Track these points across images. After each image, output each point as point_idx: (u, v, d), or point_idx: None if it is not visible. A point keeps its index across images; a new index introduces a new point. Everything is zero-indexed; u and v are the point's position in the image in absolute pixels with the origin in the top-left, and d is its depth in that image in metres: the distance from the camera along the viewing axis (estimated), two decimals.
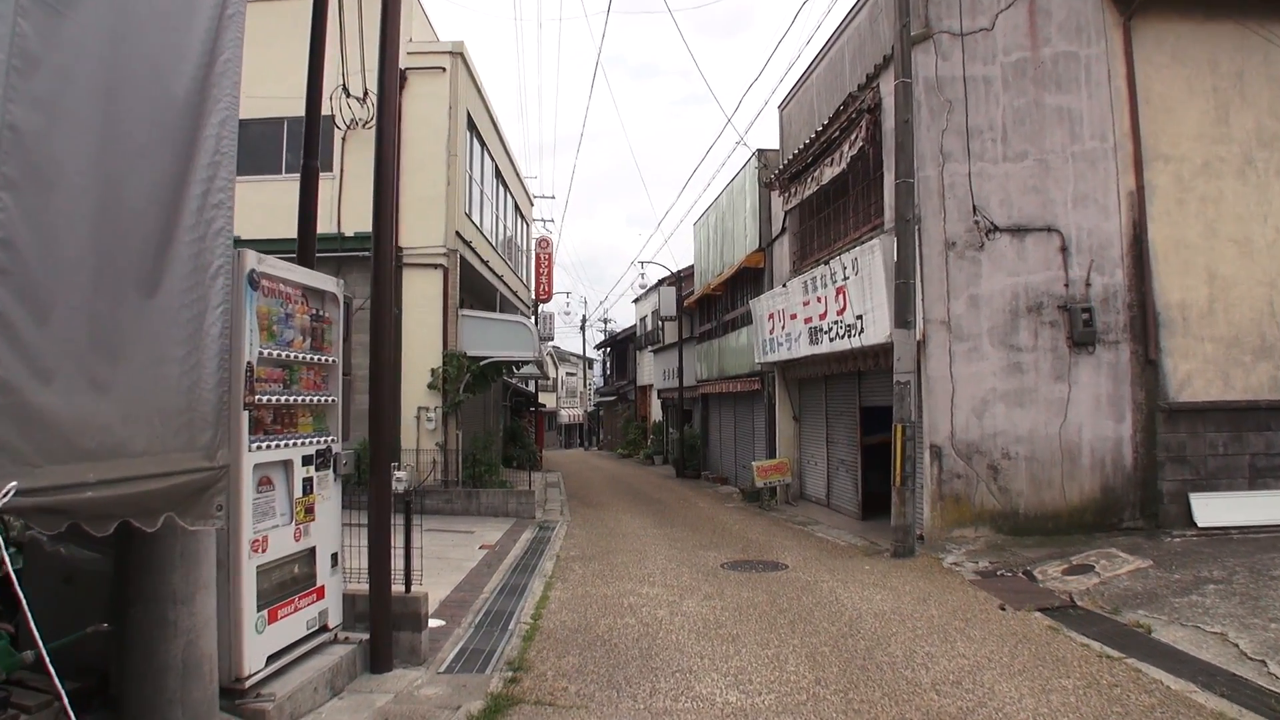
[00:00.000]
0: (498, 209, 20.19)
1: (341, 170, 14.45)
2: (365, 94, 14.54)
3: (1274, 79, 10.81)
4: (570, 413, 65.77)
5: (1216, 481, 9.03)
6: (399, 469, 14.51)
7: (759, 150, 18.31)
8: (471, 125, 16.31)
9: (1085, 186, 10.33)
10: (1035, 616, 6.56)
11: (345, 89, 13.91)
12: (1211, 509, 8.81)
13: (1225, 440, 9.03)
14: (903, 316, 9.62)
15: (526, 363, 17.89)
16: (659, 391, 32.56)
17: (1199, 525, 8.76)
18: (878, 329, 10.52)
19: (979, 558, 8.82)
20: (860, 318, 11.06)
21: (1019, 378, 10.03)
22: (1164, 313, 10.26)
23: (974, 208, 10.06)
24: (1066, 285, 10.17)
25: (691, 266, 26.79)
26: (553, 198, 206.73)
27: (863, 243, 11.14)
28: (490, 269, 17.73)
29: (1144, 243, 10.27)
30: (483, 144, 17.68)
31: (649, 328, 36.33)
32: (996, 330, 10.06)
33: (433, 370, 14.20)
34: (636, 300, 39.89)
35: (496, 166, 19.48)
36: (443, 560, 9.12)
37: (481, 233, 17.38)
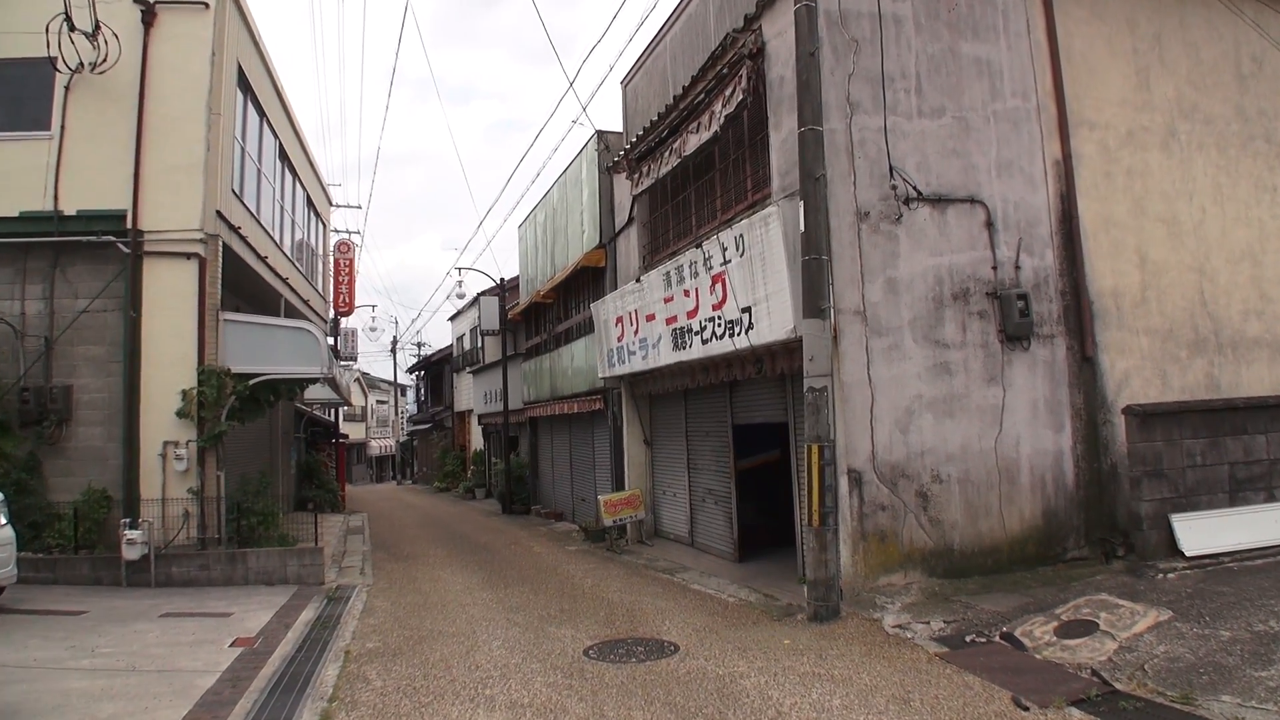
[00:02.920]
0: (284, 199, 16.59)
1: (63, 129, 10.76)
2: (97, 28, 11.04)
3: (1191, 44, 9.86)
4: (382, 444, 60.62)
5: (1196, 498, 7.61)
6: (132, 528, 11.01)
7: (599, 132, 16.04)
8: (245, 83, 12.87)
9: (1009, 152, 8.79)
10: (1075, 716, 4.54)
11: (69, 20, 10.34)
12: (1197, 533, 7.35)
13: (1203, 448, 7.65)
14: (813, 303, 7.54)
15: (312, 381, 14.46)
16: (480, 417, 29.44)
17: (1186, 554, 7.26)
18: (774, 322, 8.43)
19: (925, 614, 6.81)
20: (748, 310, 8.93)
21: (947, 381, 8.25)
22: (1097, 301, 8.88)
23: (890, 169, 8.20)
24: (995, 268, 8.53)
25: (518, 277, 24.14)
26: (358, 207, 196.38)
27: (753, 214, 9.06)
28: (271, 268, 14.22)
29: (1074, 220, 8.85)
30: (261, 112, 14.19)
31: (467, 347, 33.15)
32: (919, 322, 8.24)
33: (184, 392, 10.65)
34: (453, 318, 36.55)
35: (281, 146, 15.93)
36: (163, 678, 5.96)
37: (258, 221, 13.88)
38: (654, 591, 9.46)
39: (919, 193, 8.26)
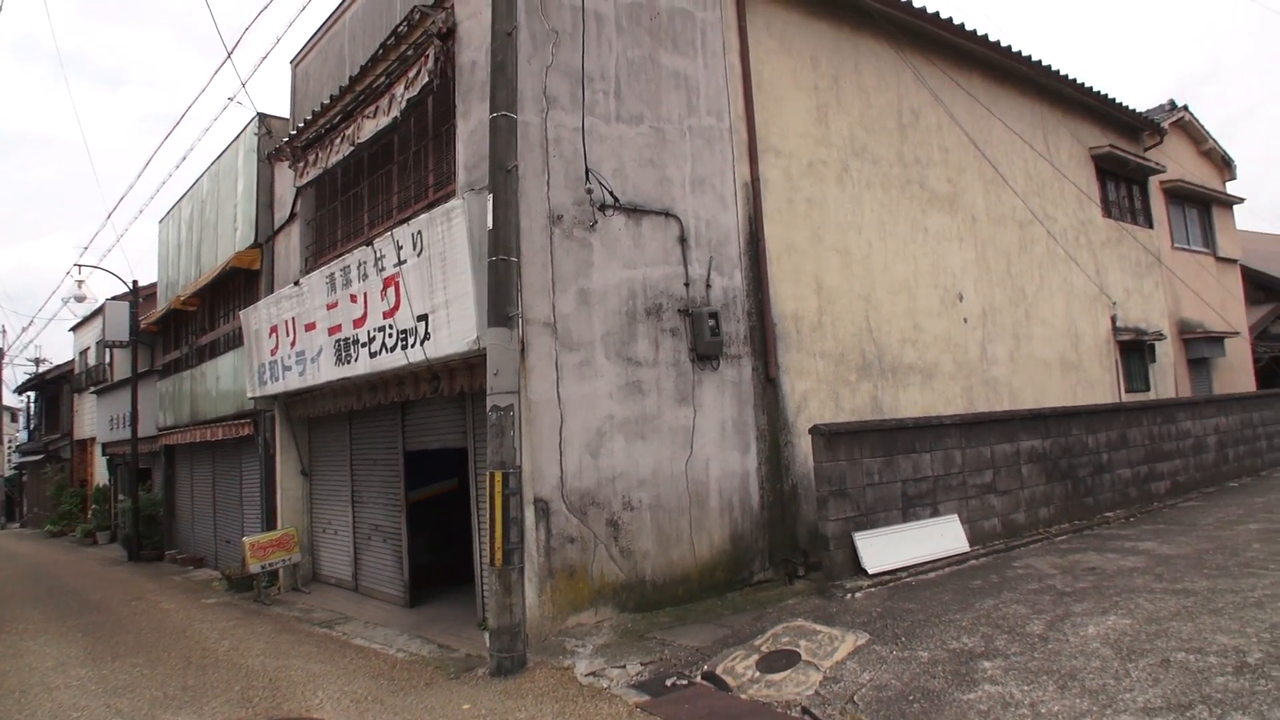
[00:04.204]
0: None
1: None
2: None
3: (863, 89, 10.60)
4: None
5: (876, 516, 7.82)
6: None
7: (261, 115, 14.05)
8: None
9: (703, 169, 8.70)
10: None
11: None
12: (876, 550, 7.51)
13: (880, 466, 7.91)
14: (500, 311, 6.71)
15: None
16: (105, 446, 24.70)
17: (870, 571, 7.37)
18: (454, 332, 7.47)
19: (620, 657, 6.19)
20: (425, 318, 7.89)
21: (640, 400, 7.83)
22: (780, 324, 9.04)
23: (586, 171, 7.67)
24: (687, 284, 8.32)
25: (156, 285, 20.64)
26: None
27: (433, 209, 8.06)
28: None
29: (760, 242, 8.96)
30: None
31: (92, 362, 27.90)
32: (612, 337, 7.76)
33: None
34: (76, 327, 30.75)
35: None
36: None
37: None
38: (306, 652, 7.97)
39: (615, 200, 7.83)
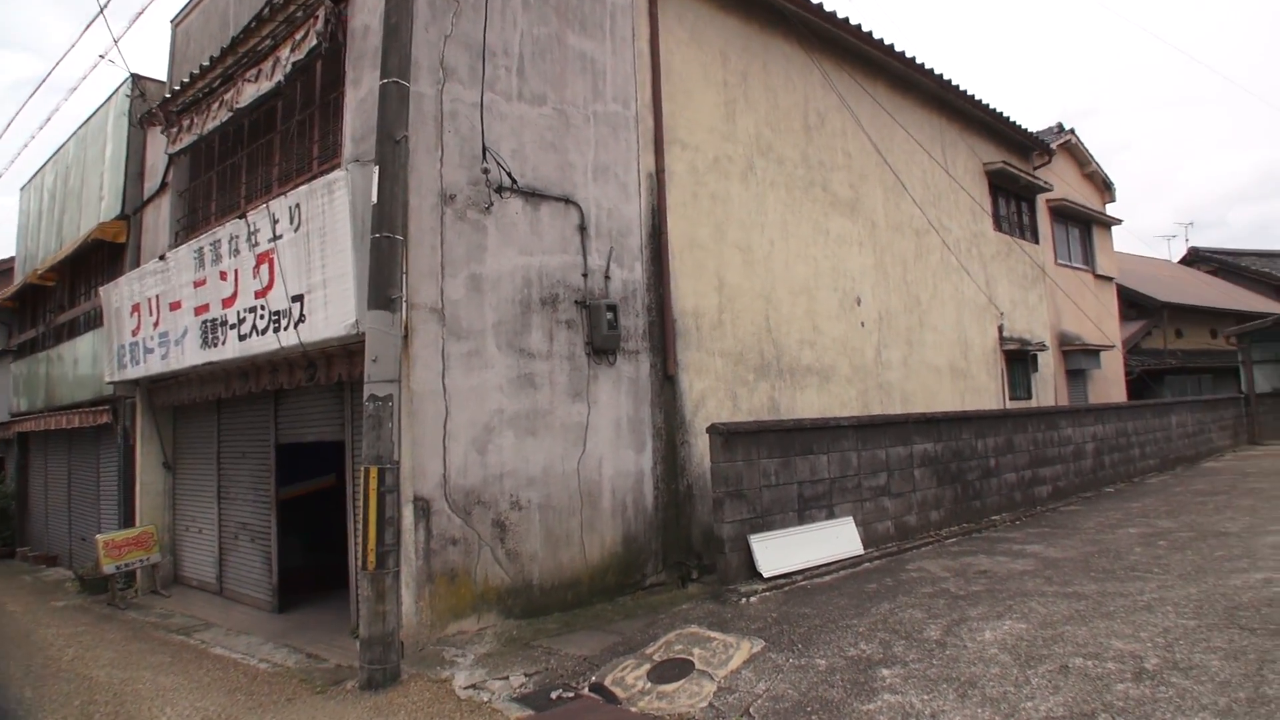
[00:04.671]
0: None
1: None
2: None
3: (771, 89, 10.50)
4: None
5: (771, 518, 7.65)
6: None
7: (135, 76, 12.96)
8: None
9: (607, 156, 8.38)
10: None
11: None
12: (772, 553, 7.32)
13: (777, 468, 7.75)
14: (382, 292, 6.21)
15: None
16: None
17: (765, 575, 7.18)
18: (332, 314, 6.92)
19: (503, 667, 5.79)
20: (300, 299, 7.29)
21: (532, 395, 7.45)
22: (680, 320, 8.82)
23: (484, 150, 7.24)
24: (586, 275, 7.99)
25: (14, 258, 18.92)
26: None
27: (314, 182, 7.47)
28: None
29: (663, 235, 8.71)
30: None
31: None
32: (505, 327, 7.35)
33: None
34: None
35: None
36: None
37: None
38: (159, 662, 7.25)
39: (513, 182, 7.43)
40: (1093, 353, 18.95)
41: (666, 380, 8.57)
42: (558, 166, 7.92)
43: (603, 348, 7.94)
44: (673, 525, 8.42)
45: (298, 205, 7.32)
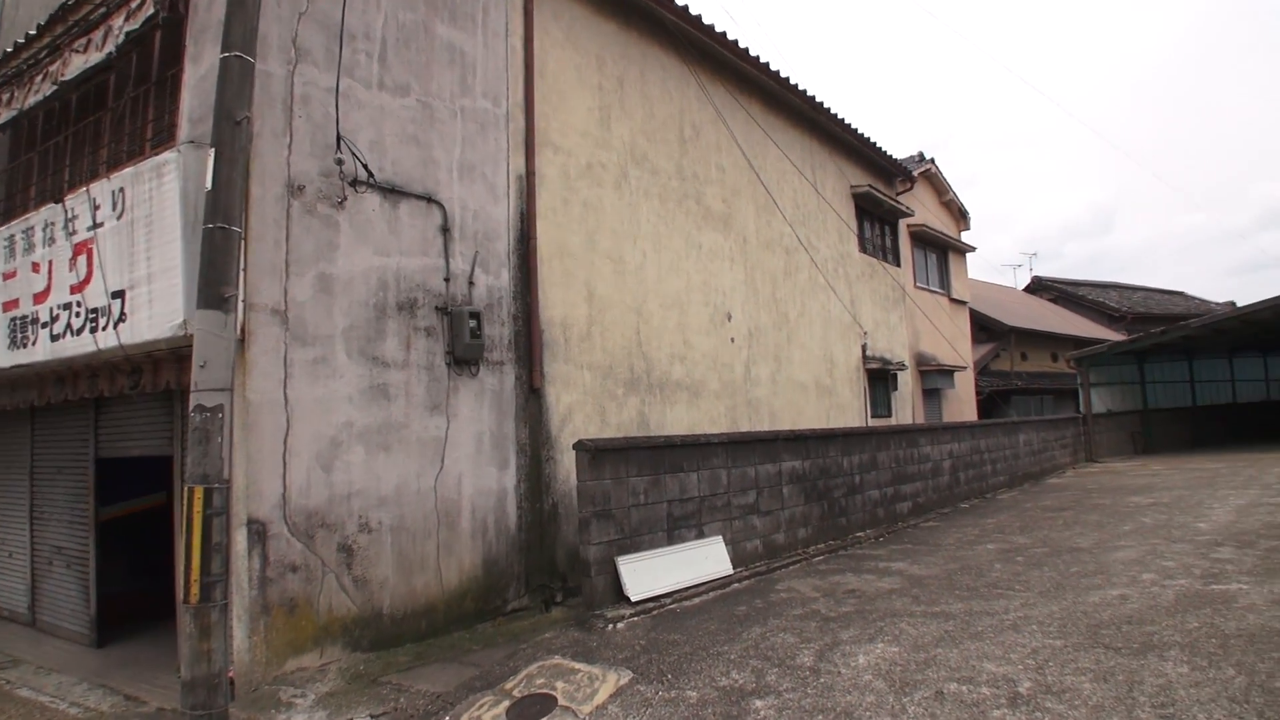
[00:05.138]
0: None
1: None
2: None
3: (648, 98, 10.35)
4: None
5: (640, 539, 7.36)
6: None
7: None
8: None
9: (474, 155, 7.97)
10: None
11: None
12: (640, 575, 7.03)
13: (646, 486, 7.48)
14: (214, 290, 5.58)
15: None
16: None
17: (633, 599, 6.88)
18: (157, 313, 6.20)
19: (347, 708, 5.25)
20: (121, 295, 6.52)
21: (386, 407, 6.92)
22: (548, 330, 8.49)
23: (338, 139, 6.70)
24: (448, 280, 7.55)
25: None
26: None
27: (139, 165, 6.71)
28: None
29: (531, 241, 8.37)
30: None
31: None
32: (357, 332, 6.81)
33: None
34: None
35: None
36: None
37: None
38: None
39: (370, 176, 6.92)
40: (948, 373, 19.85)
41: (532, 393, 8.21)
42: (420, 162, 7.46)
43: (465, 358, 7.51)
44: (537, 547, 8.05)
45: (122, 190, 6.58)
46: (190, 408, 5.43)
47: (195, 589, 5.27)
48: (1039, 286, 39.44)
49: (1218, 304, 41.94)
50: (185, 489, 5.41)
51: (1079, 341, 28.29)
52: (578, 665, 5.44)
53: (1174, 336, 22.27)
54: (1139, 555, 8.07)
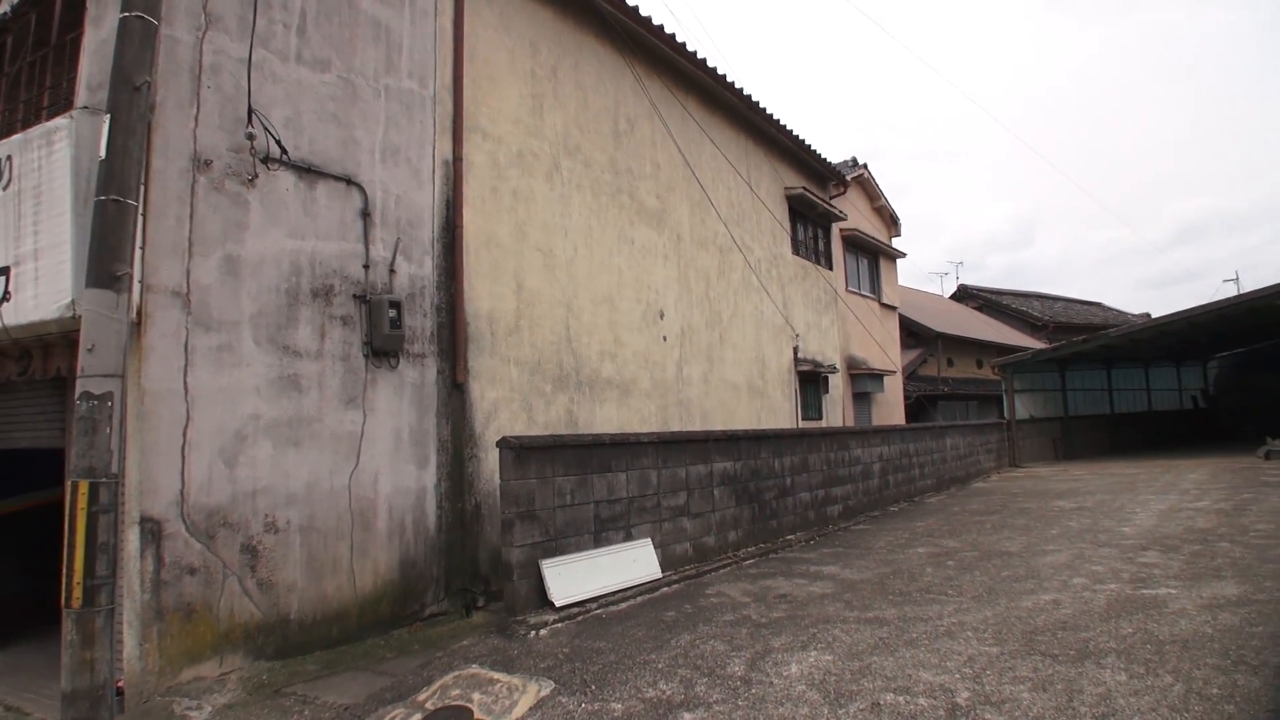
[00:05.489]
0: None
1: None
2: None
3: (582, 88, 10.13)
4: None
5: (566, 541, 7.11)
6: None
7: None
8: None
9: (398, 137, 7.65)
10: None
11: None
12: (565, 579, 6.78)
13: (573, 486, 7.23)
14: (105, 267, 5.16)
15: None
16: None
17: (557, 604, 6.62)
18: (44, 292, 5.74)
19: None
20: (6, 272, 6.03)
21: (297, 399, 6.55)
22: (473, 323, 8.20)
23: (250, 113, 6.32)
24: (367, 266, 7.20)
25: None
26: None
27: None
28: None
29: (457, 229, 8.08)
30: None
31: None
32: (266, 319, 6.42)
33: None
34: None
35: None
36: None
37: None
38: None
39: (285, 154, 6.54)
40: (877, 377, 20.09)
41: (455, 388, 7.91)
42: (340, 142, 7.11)
43: (384, 349, 7.17)
44: (458, 548, 7.74)
45: (9, 158, 6.11)
46: (76, 394, 5.03)
47: (78, 592, 4.88)
48: (965, 294, 40.44)
49: (1134, 315, 43.73)
50: (72, 484, 5.01)
51: (1003, 349, 29.04)
52: (496, 675, 5.18)
53: (1094, 345, 22.98)
54: (1068, 559, 8.16)
